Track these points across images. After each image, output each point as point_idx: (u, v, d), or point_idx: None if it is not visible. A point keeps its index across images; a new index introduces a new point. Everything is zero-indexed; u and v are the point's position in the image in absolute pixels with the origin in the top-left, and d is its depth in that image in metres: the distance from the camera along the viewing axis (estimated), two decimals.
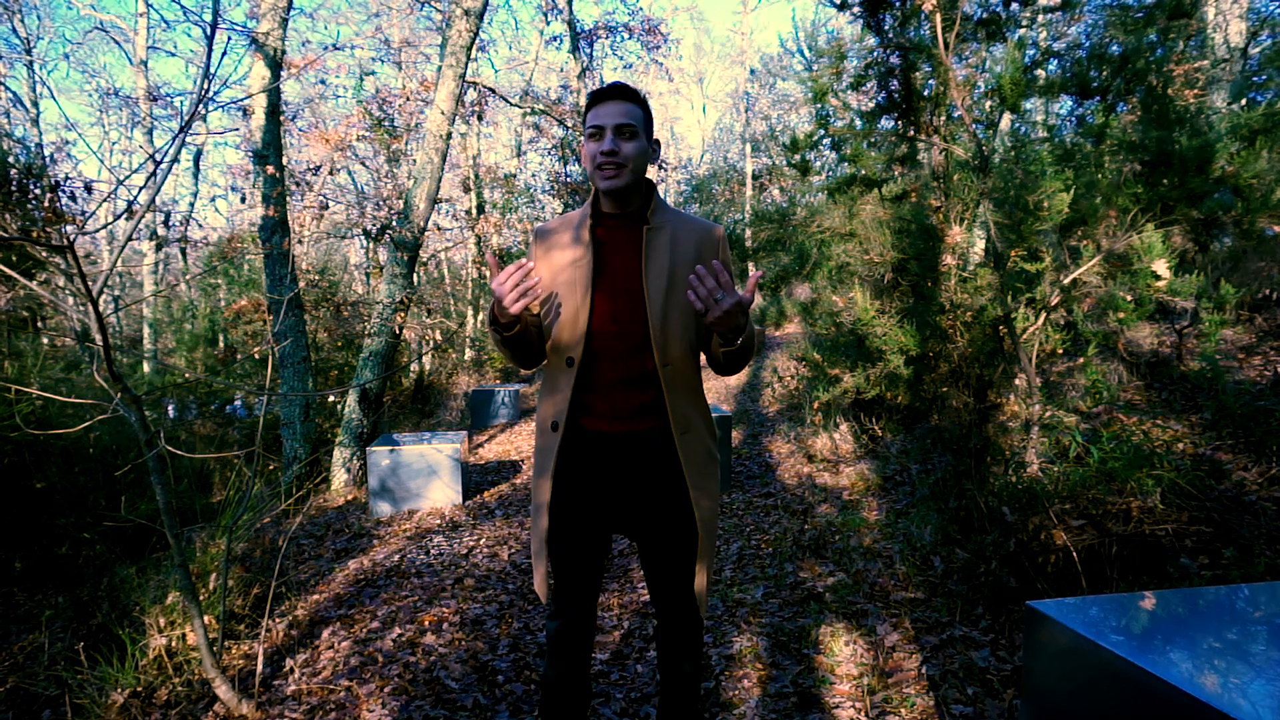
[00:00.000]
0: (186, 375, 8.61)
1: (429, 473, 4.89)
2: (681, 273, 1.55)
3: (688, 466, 1.57)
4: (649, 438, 1.58)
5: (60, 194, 4.60)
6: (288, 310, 5.63)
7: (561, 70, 17.95)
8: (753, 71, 20.28)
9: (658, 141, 1.61)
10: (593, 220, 1.61)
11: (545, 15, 14.72)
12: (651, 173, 1.64)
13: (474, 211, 13.24)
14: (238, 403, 8.86)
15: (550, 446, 1.62)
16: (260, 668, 2.38)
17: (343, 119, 11.16)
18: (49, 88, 22.70)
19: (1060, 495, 2.66)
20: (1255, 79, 6.61)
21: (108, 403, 2.09)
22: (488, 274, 1.54)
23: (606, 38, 14.43)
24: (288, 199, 6.67)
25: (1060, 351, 3.86)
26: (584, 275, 1.57)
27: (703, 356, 1.68)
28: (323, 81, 14.51)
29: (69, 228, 4.48)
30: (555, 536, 1.65)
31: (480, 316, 14.29)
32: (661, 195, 1.65)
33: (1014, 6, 3.75)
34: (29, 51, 15.27)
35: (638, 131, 1.52)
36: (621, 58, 15.05)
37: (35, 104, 15.57)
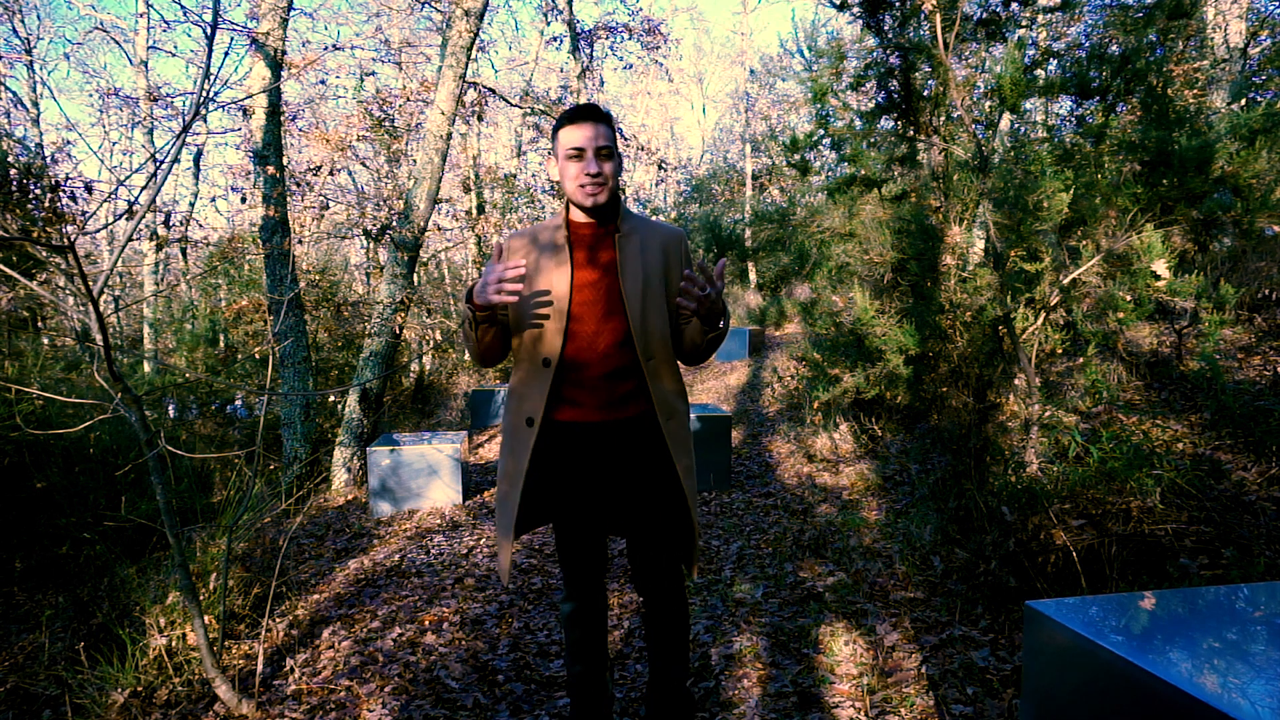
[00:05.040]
0: (187, 375, 8.61)
1: (429, 472, 4.89)
2: (654, 272, 1.69)
3: (674, 449, 1.71)
4: (635, 423, 1.70)
5: (60, 194, 4.60)
6: (288, 310, 5.63)
7: (561, 70, 17.96)
8: (752, 72, 20.26)
9: (621, 155, 1.74)
10: (567, 230, 1.70)
11: (545, 15, 14.72)
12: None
13: (474, 211, 13.24)
14: (238, 403, 8.85)
15: (525, 441, 1.68)
16: (260, 667, 2.38)
17: (343, 119, 11.16)
18: (49, 88, 22.74)
19: (1060, 495, 2.66)
20: (1255, 79, 6.61)
21: (108, 403, 2.09)
22: (491, 258, 1.68)
23: (606, 38, 14.42)
24: (288, 199, 6.67)
25: (1060, 351, 3.87)
26: (563, 280, 1.66)
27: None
28: (323, 82, 14.52)
29: (69, 228, 4.48)
30: (559, 528, 1.76)
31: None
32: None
33: (1014, 6, 3.75)
34: (29, 51, 15.27)
35: (613, 151, 1.64)
36: (621, 58, 15.04)
37: (35, 104, 15.57)
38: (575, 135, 1.60)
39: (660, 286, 1.69)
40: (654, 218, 1.86)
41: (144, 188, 2.23)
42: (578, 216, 1.70)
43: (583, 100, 13.79)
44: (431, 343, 12.47)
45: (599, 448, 1.69)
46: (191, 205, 15.75)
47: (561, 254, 1.68)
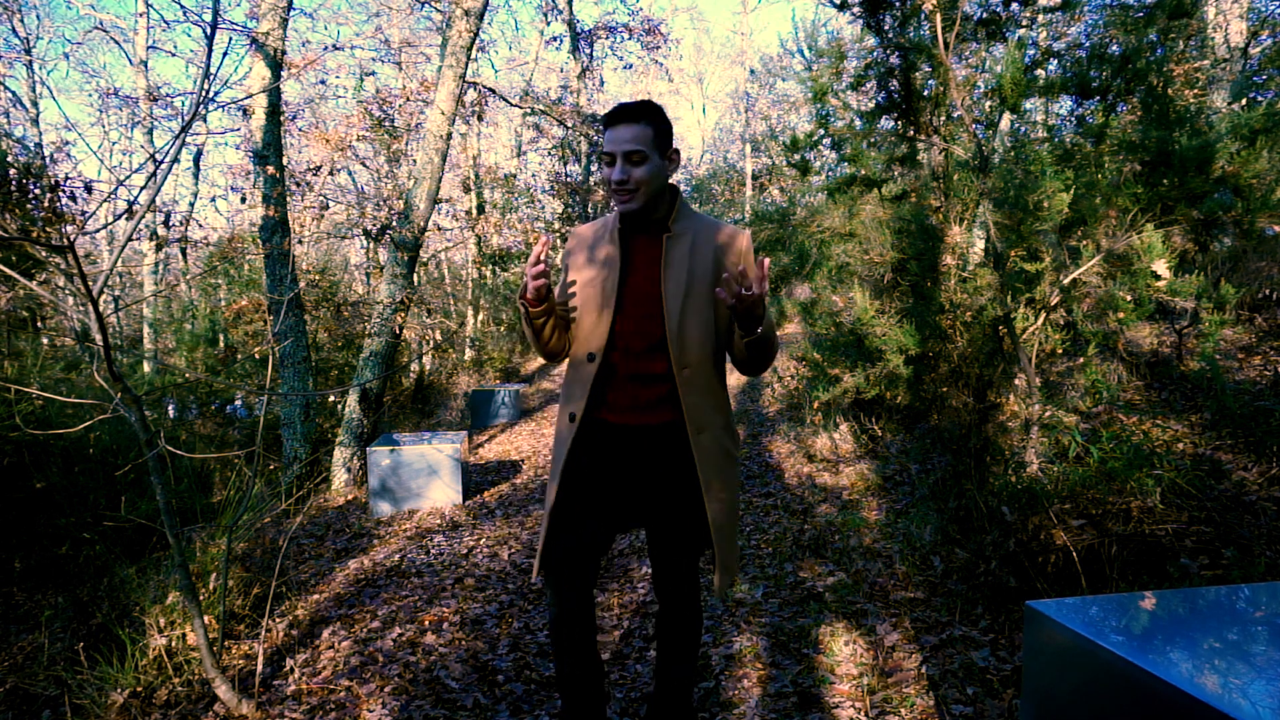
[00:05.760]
0: (186, 375, 8.61)
1: (429, 473, 4.89)
2: (699, 278, 1.62)
3: (702, 465, 1.63)
4: (663, 431, 1.65)
5: (60, 194, 4.60)
6: (288, 310, 5.63)
7: (561, 70, 17.95)
8: (752, 72, 20.26)
9: (676, 151, 1.63)
10: (620, 227, 1.67)
11: (545, 15, 14.72)
12: None
13: (474, 211, 13.24)
14: (238, 403, 8.85)
15: (566, 437, 1.68)
16: (260, 668, 2.38)
17: (343, 119, 11.16)
18: (49, 88, 22.75)
19: (1060, 495, 2.66)
20: (1255, 79, 6.61)
21: (108, 403, 2.09)
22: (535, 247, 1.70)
23: (606, 38, 14.43)
24: (288, 199, 6.67)
25: (1060, 351, 3.86)
26: (611, 281, 1.64)
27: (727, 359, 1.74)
28: (323, 82, 14.52)
29: (69, 228, 4.48)
30: (570, 524, 1.70)
31: (480, 316, 14.29)
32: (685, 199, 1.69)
33: (1014, 6, 3.74)
34: (29, 51, 15.26)
35: (647, 155, 1.55)
36: (621, 58, 15.04)
37: (35, 104, 15.56)
38: (608, 138, 1.56)
39: (706, 291, 1.62)
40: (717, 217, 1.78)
41: (144, 188, 2.23)
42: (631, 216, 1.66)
43: (582, 100, 13.79)
44: (431, 343, 12.47)
45: (621, 451, 1.66)
46: (191, 205, 15.75)
47: (613, 251, 1.65)
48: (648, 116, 1.56)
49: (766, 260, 1.44)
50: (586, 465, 1.67)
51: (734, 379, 9.10)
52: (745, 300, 1.43)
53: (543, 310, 1.60)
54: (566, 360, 1.77)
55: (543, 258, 1.52)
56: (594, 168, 14.14)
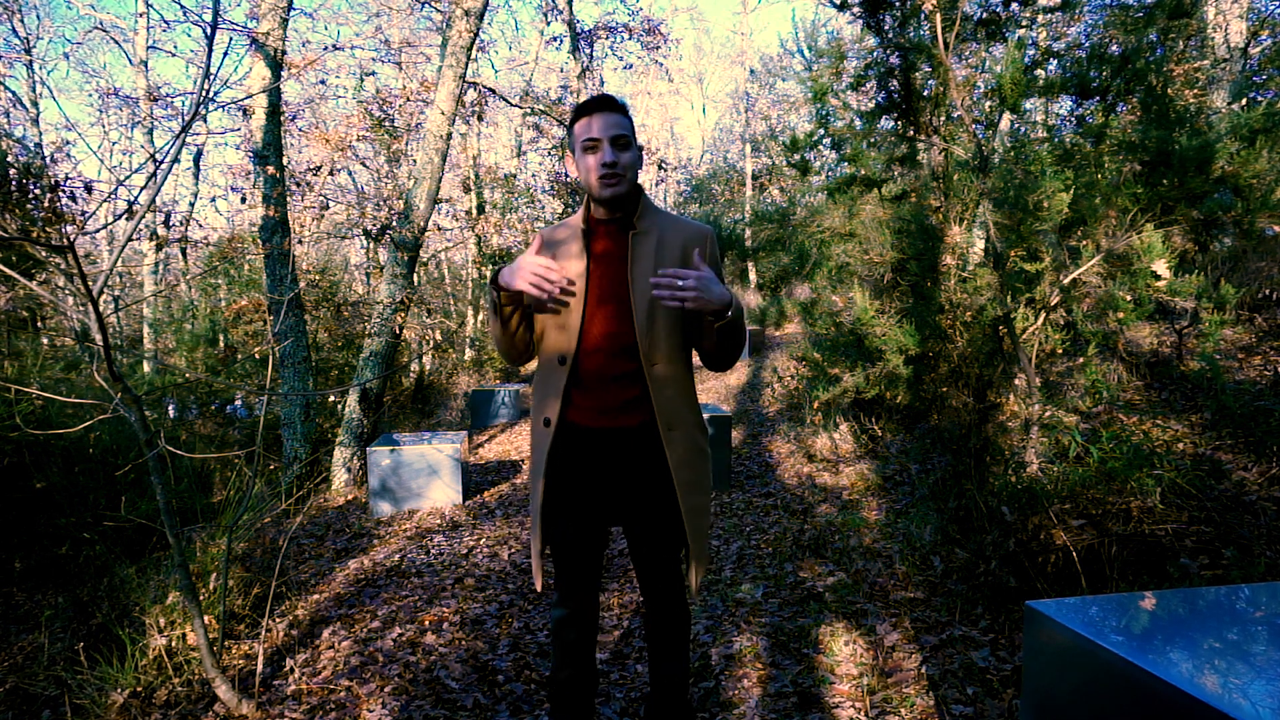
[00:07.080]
0: (186, 375, 8.61)
1: (429, 472, 4.89)
2: None
3: (674, 463, 1.63)
4: (636, 433, 1.65)
5: (60, 194, 4.60)
6: (288, 310, 5.63)
7: (561, 70, 17.95)
8: (752, 72, 20.26)
9: (640, 146, 1.68)
10: (586, 227, 1.67)
11: (545, 16, 14.72)
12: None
13: (474, 211, 13.24)
14: (238, 403, 8.85)
15: (543, 442, 1.68)
16: (260, 668, 2.38)
17: (343, 119, 11.16)
18: (49, 88, 22.75)
19: (1060, 495, 2.66)
20: (1256, 78, 6.61)
21: (108, 403, 2.09)
22: (530, 247, 1.65)
23: (606, 38, 14.42)
24: (288, 199, 6.67)
25: (1060, 351, 3.87)
26: (579, 278, 1.64)
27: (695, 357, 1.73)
28: (323, 82, 14.51)
29: (69, 228, 4.48)
30: (554, 529, 1.72)
31: (480, 316, 14.29)
32: (653, 197, 1.70)
33: (1014, 6, 3.74)
34: (29, 51, 15.26)
35: (630, 141, 1.59)
36: (621, 58, 15.03)
37: (35, 104, 15.56)
38: (591, 125, 1.55)
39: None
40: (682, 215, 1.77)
41: (144, 188, 2.23)
42: (598, 212, 1.66)
43: (582, 100, 13.76)
44: (431, 343, 12.47)
45: (597, 456, 1.66)
46: (191, 205, 15.74)
47: (579, 251, 1.65)
48: (624, 109, 1.60)
49: (697, 250, 1.48)
50: (566, 469, 1.68)
51: (734, 378, 9.10)
52: (695, 296, 1.41)
53: (515, 299, 1.59)
54: (536, 362, 1.77)
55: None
56: None
